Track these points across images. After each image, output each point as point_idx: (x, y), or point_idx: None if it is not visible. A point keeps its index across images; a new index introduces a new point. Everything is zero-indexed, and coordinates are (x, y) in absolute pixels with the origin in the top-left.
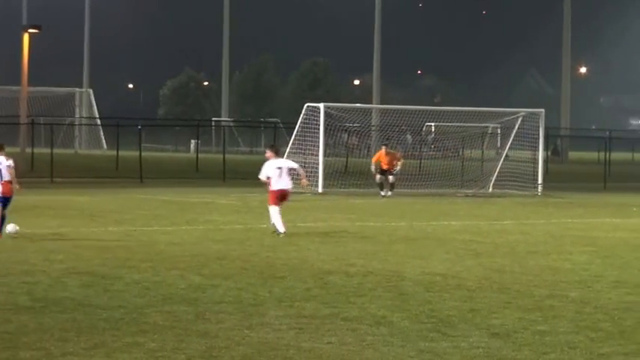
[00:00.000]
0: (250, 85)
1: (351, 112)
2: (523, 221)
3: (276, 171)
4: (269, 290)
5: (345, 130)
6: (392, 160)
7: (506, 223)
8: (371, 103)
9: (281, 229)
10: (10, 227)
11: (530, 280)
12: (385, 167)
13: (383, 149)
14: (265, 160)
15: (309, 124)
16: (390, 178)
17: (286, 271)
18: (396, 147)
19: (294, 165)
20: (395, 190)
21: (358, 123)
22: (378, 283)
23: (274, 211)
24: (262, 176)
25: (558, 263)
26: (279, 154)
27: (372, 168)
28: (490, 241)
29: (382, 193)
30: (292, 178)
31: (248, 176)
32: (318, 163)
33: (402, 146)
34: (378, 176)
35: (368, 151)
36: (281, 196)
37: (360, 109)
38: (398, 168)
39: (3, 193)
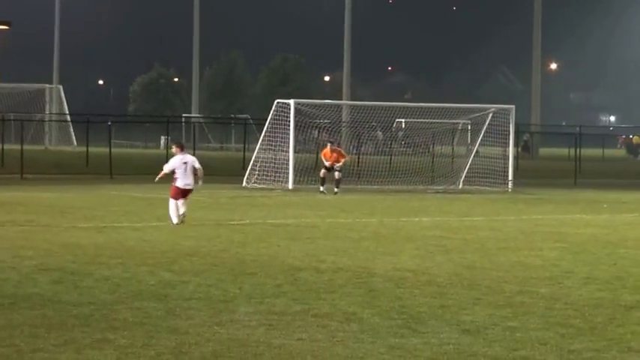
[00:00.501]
0: (220, 82)
1: (321, 108)
2: (493, 217)
3: (182, 165)
4: (239, 287)
5: (316, 127)
6: (337, 157)
7: (476, 219)
8: (341, 99)
9: (174, 220)
10: None
11: (501, 276)
12: (330, 163)
13: (328, 146)
14: (172, 155)
15: (279, 120)
16: (336, 174)
17: (256, 268)
18: (366, 143)
19: (198, 165)
20: (365, 186)
21: (328, 119)
22: (348, 279)
23: (172, 204)
24: (167, 169)
25: (529, 259)
26: (184, 149)
27: (322, 172)
28: (460, 237)
29: (322, 189)
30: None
31: (218, 172)
32: (288, 160)
33: (372, 142)
34: (322, 171)
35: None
36: (183, 192)
37: (331, 105)
38: (341, 164)
39: None
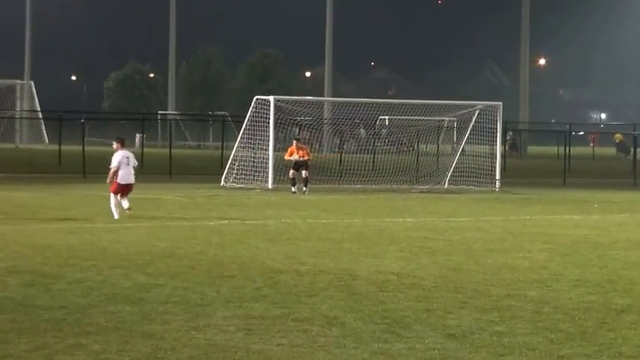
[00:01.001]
0: (198, 78)
1: (302, 105)
2: (480, 218)
3: (124, 160)
4: (217, 290)
5: (296, 124)
6: (304, 154)
7: (462, 220)
8: (323, 96)
9: (115, 215)
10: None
11: (488, 279)
12: (298, 157)
13: (294, 144)
14: (113, 151)
15: (258, 117)
16: (304, 173)
17: (235, 270)
18: (349, 141)
19: (135, 162)
20: (348, 185)
21: (310, 116)
22: (329, 282)
23: (113, 199)
24: (115, 165)
25: (516, 261)
26: (124, 145)
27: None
28: (446, 238)
29: (293, 190)
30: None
31: (195, 172)
32: (267, 158)
33: (355, 140)
34: (291, 171)
35: (320, 145)
36: (125, 188)
37: (312, 102)
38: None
39: None
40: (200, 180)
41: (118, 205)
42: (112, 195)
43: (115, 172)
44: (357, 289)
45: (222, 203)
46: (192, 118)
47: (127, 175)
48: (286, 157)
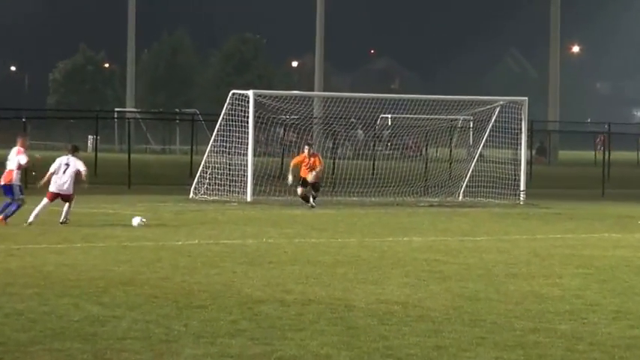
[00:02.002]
0: (162, 68)
1: (287, 101)
2: (501, 237)
3: (62, 166)
4: (185, 323)
5: (281, 124)
6: (315, 163)
7: (480, 239)
8: (312, 90)
9: (31, 218)
10: (135, 220)
11: (510, 309)
12: (306, 175)
13: (306, 150)
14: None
15: (235, 115)
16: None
17: (207, 300)
18: (344, 144)
19: (83, 168)
20: (342, 197)
21: (297, 115)
22: (320, 314)
23: (44, 203)
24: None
25: (545, 289)
26: (76, 152)
27: (289, 179)
28: (460, 261)
29: (312, 203)
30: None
31: (160, 181)
32: (246, 165)
33: (351, 143)
34: (300, 189)
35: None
36: (55, 196)
37: (299, 97)
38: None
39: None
40: (165, 191)
41: (43, 211)
42: (45, 199)
43: (49, 178)
44: (353, 322)
45: (191, 219)
46: (156, 117)
47: (59, 184)
48: (292, 165)
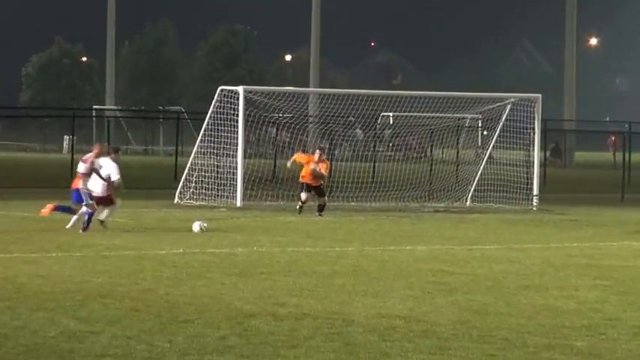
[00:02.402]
0: (145, 62)
1: (280, 98)
2: (512, 245)
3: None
4: (169, 339)
5: (273, 123)
6: (322, 169)
7: (489, 248)
8: (307, 86)
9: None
10: (196, 226)
11: (522, 324)
12: (310, 180)
13: (317, 155)
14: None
15: (223, 114)
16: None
17: (193, 314)
18: (342, 145)
19: (114, 175)
20: (340, 202)
21: (290, 113)
22: (316, 329)
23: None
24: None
25: (560, 302)
26: (115, 154)
27: (288, 165)
28: (468, 272)
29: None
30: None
31: (142, 184)
32: (235, 167)
33: (350, 144)
34: (304, 195)
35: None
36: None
37: (294, 93)
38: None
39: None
40: (147, 196)
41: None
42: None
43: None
44: (352, 338)
45: (176, 227)
46: (138, 116)
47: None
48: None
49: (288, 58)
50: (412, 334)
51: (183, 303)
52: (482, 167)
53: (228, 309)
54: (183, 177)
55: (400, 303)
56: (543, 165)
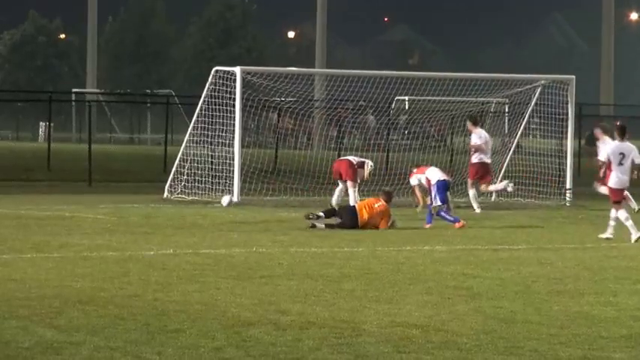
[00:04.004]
0: (130, 40)
1: (283, 79)
2: (543, 246)
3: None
4: (158, 350)
5: (275, 108)
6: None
7: (517, 248)
8: (313, 67)
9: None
10: (225, 200)
11: (554, 334)
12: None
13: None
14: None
15: (219, 97)
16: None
17: (185, 322)
18: (352, 132)
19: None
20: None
21: (294, 97)
22: (323, 338)
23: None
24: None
25: (596, 309)
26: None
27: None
28: (493, 275)
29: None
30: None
31: (128, 177)
32: (232, 158)
33: (360, 131)
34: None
35: (309, 139)
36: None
37: (297, 75)
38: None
39: None
40: (133, 190)
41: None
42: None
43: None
44: (362, 350)
45: (165, 224)
46: (123, 100)
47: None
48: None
49: (291, 34)
50: (430, 345)
51: (173, 310)
52: (509, 158)
53: (224, 317)
54: (174, 169)
55: (417, 310)
56: (577, 155)
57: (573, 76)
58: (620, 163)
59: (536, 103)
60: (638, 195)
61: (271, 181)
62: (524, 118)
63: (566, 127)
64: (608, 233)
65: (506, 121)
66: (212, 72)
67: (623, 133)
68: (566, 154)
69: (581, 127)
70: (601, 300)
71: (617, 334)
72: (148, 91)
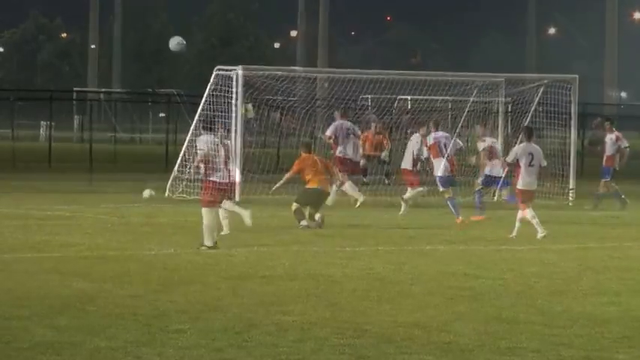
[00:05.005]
0: (132, 39)
1: (284, 79)
2: (545, 246)
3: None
4: (159, 351)
5: (277, 107)
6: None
7: (519, 248)
8: (315, 66)
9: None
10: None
11: (556, 335)
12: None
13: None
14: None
15: (220, 97)
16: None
17: (186, 322)
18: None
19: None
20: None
21: (295, 96)
22: (325, 339)
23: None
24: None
25: (599, 310)
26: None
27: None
28: (495, 276)
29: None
30: None
31: (128, 176)
32: (233, 156)
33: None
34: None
35: (312, 137)
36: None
37: (299, 74)
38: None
39: None
40: (135, 189)
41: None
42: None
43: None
44: (365, 350)
45: (166, 224)
46: (124, 99)
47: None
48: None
49: (293, 33)
50: (432, 346)
51: (174, 310)
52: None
53: (225, 317)
54: (175, 168)
55: (419, 311)
56: (581, 154)
57: (576, 76)
58: (531, 164)
59: (538, 103)
60: (627, 183)
61: (273, 180)
62: (526, 118)
63: (569, 126)
64: (514, 233)
65: (509, 120)
66: (214, 71)
67: (530, 135)
68: (569, 153)
69: (584, 127)
70: (604, 300)
71: (619, 335)
72: (150, 90)
